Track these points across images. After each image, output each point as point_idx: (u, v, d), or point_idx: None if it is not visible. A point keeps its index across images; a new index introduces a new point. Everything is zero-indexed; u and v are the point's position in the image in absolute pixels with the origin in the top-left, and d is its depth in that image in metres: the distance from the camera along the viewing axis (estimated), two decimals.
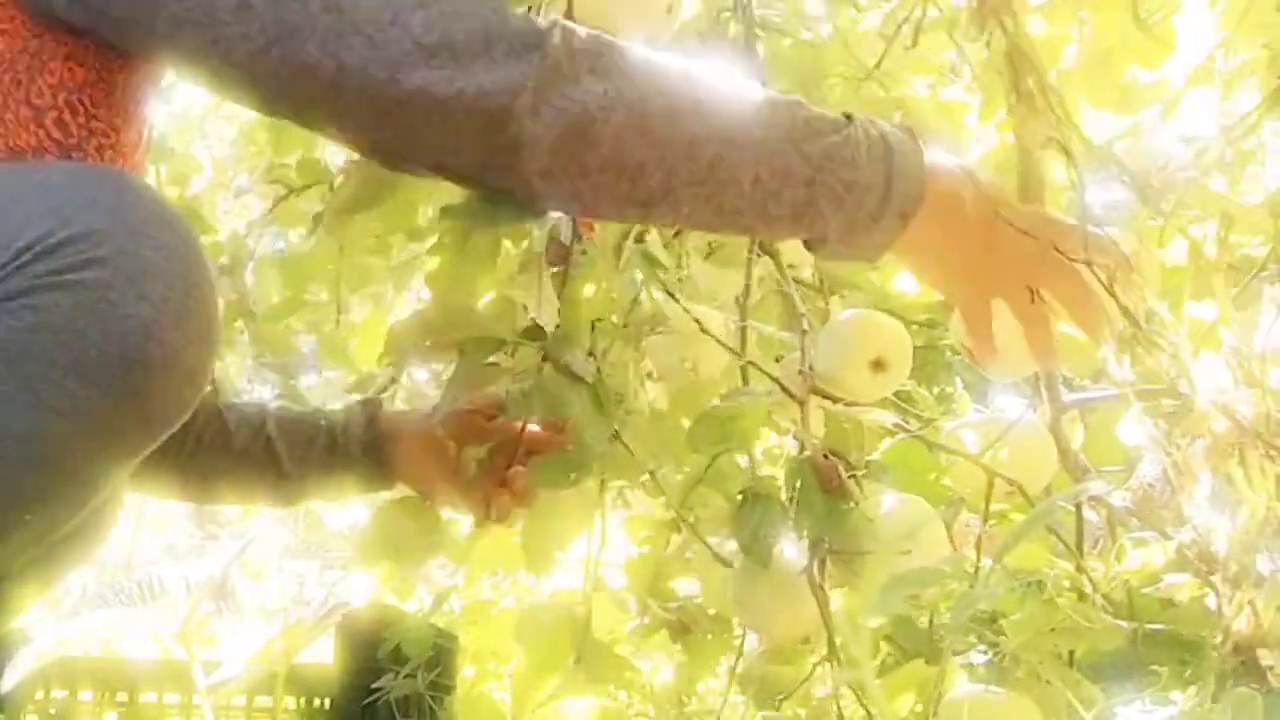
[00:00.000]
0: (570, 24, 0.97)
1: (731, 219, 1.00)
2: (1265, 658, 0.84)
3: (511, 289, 1.23)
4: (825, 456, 1.16)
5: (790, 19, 1.68)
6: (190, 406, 0.89)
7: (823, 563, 1.14)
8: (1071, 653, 1.05)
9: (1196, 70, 1.47)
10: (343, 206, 1.35)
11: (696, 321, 1.32)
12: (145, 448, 0.89)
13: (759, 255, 1.39)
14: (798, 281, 1.44)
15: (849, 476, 1.16)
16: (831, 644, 1.13)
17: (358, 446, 1.35)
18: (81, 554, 1.06)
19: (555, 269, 1.23)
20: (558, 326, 1.20)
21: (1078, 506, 1.18)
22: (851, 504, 1.14)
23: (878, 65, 1.57)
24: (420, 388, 1.94)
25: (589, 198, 0.97)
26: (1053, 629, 0.96)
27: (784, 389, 1.26)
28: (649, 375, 1.44)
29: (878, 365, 1.29)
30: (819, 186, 0.98)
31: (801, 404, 1.22)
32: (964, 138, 1.73)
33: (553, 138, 0.94)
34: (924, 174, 1.02)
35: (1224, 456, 0.86)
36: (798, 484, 1.15)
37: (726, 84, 0.99)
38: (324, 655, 2.39)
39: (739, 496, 1.18)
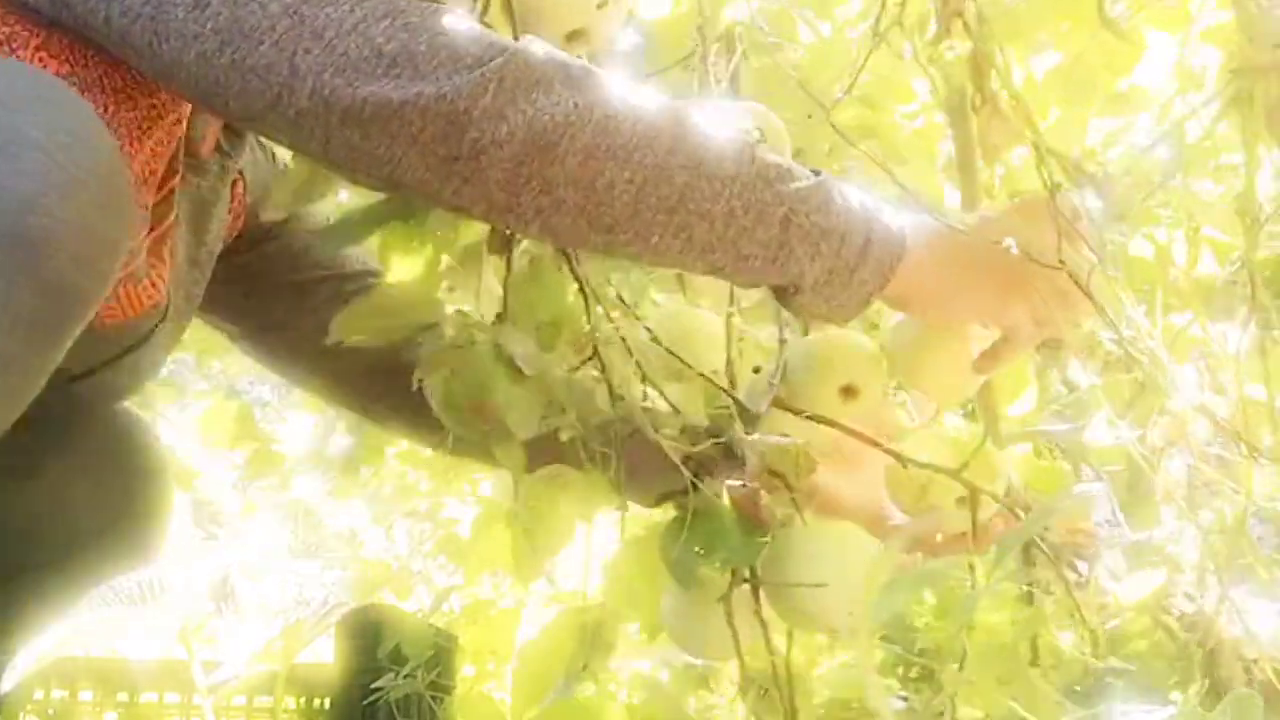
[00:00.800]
0: (544, 43, 0.94)
1: (702, 255, 0.97)
2: (1248, 655, 0.84)
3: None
4: (743, 485, 1.12)
5: (773, 24, 1.67)
6: (106, 277, 0.84)
7: (756, 590, 1.11)
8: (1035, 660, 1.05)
9: (1183, 77, 1.47)
10: (296, 192, 1.33)
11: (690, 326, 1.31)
12: (70, 326, 0.84)
13: None
14: None
15: (791, 497, 1.13)
16: (744, 673, 1.11)
17: None
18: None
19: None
20: (499, 315, 1.19)
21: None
22: (766, 537, 1.10)
23: (854, 81, 1.55)
24: None
25: (552, 217, 0.93)
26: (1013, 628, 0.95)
27: (738, 404, 1.22)
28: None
29: (848, 392, 1.22)
30: (794, 228, 0.96)
31: (754, 421, 1.18)
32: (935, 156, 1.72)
33: (516, 146, 0.89)
34: (903, 231, 1.00)
35: (1203, 459, 0.86)
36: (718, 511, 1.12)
37: (698, 117, 0.96)
38: (324, 655, 2.39)
39: (672, 513, 1.15)
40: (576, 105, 0.91)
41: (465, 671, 2.11)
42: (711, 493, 1.14)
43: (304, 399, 2.43)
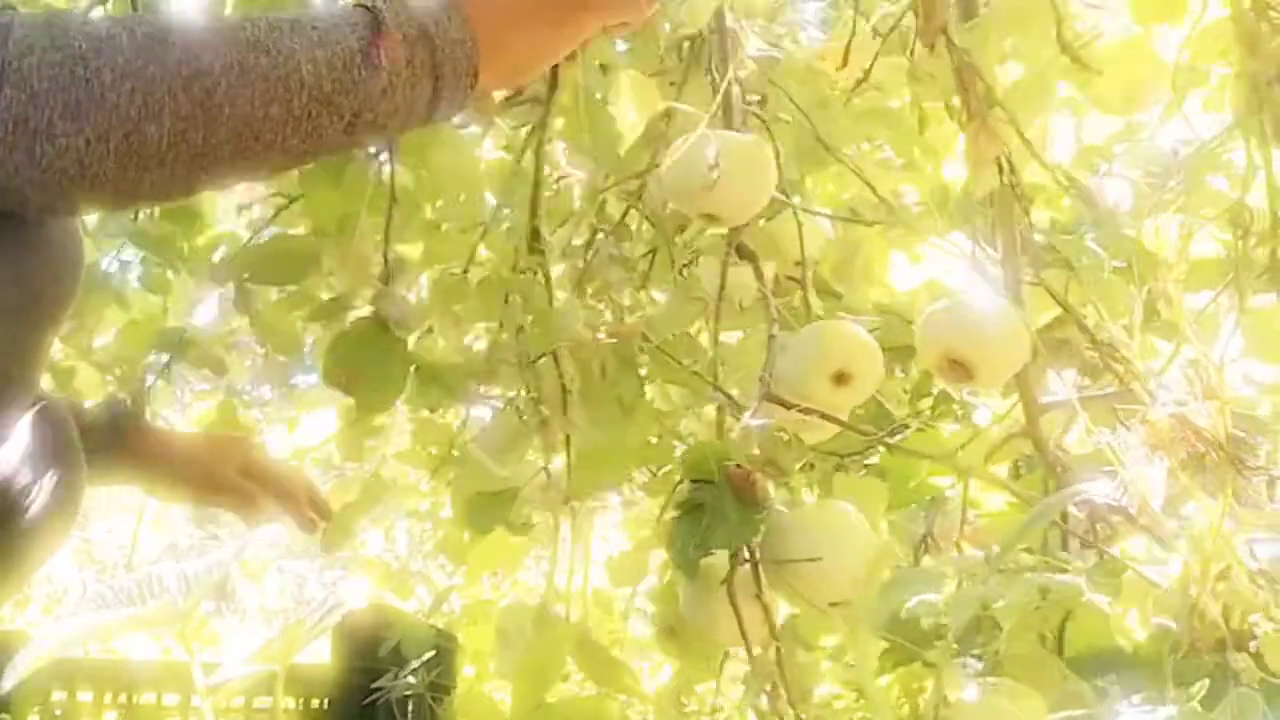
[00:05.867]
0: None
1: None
2: (1236, 660, 0.84)
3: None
4: (738, 466, 1.14)
5: (770, 30, 1.66)
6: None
7: (755, 571, 1.13)
8: (1060, 649, 1.05)
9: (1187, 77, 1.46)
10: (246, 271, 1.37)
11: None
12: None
13: (736, 261, 1.36)
14: (794, 280, 1.43)
15: (780, 484, 1.15)
16: (749, 653, 1.12)
17: (101, 443, 1.36)
18: (48, 546, 1.07)
19: None
20: (386, 280, 1.20)
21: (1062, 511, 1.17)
22: (764, 512, 1.12)
23: (865, 76, 1.54)
24: None
25: (92, 162, 0.87)
26: (1037, 607, 0.95)
27: (729, 399, 1.23)
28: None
29: (840, 378, 1.24)
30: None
31: (744, 414, 1.19)
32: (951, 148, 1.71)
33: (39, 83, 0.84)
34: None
35: (1183, 467, 0.86)
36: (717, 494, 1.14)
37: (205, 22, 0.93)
38: (323, 656, 2.39)
39: (675, 509, 1.17)
40: (82, 47, 0.86)
41: (465, 671, 2.11)
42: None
43: (304, 399, 2.42)
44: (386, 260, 1.23)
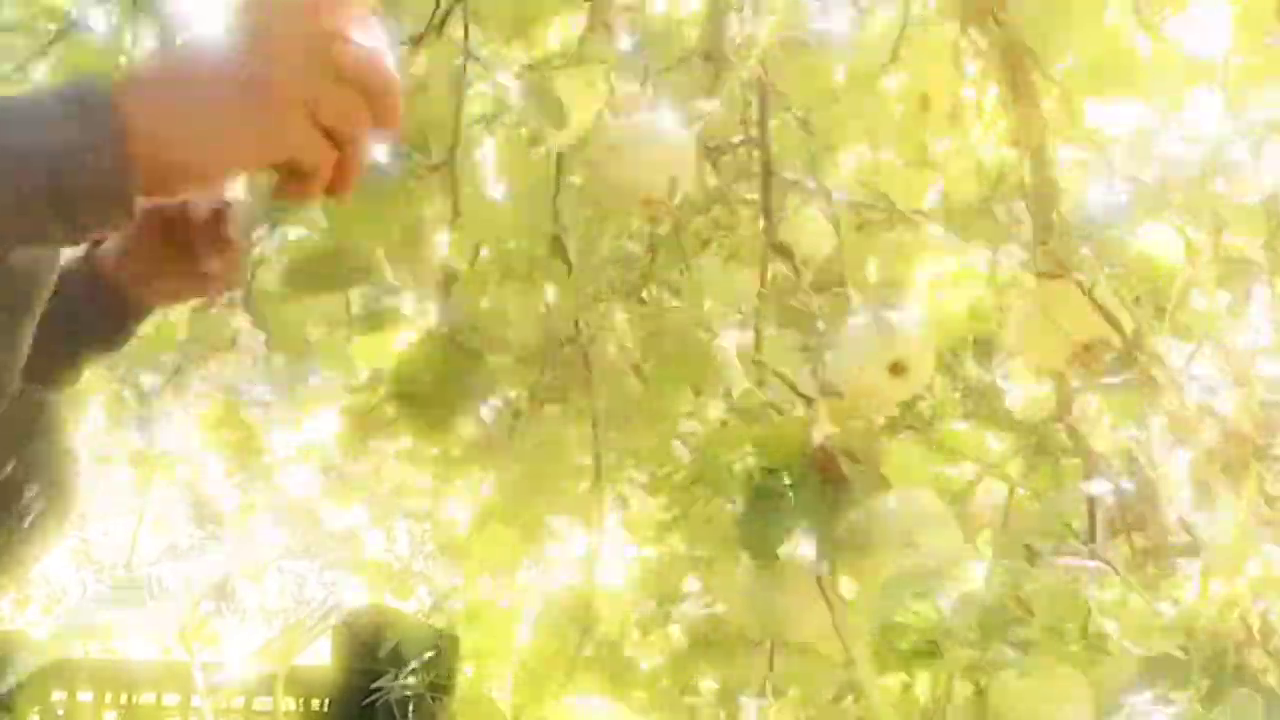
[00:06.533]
0: None
1: None
2: (1258, 660, 0.83)
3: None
4: (820, 449, 1.14)
5: (790, 16, 1.65)
6: None
7: (832, 561, 1.12)
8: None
9: (1200, 68, 1.44)
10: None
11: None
12: None
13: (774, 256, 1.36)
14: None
15: (857, 470, 1.14)
16: (845, 643, 1.11)
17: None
18: (46, 540, 1.07)
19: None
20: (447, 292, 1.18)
21: (1090, 498, 1.17)
22: (851, 496, 1.12)
23: (893, 58, 1.51)
24: None
25: None
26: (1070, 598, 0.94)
27: (793, 389, 1.24)
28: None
29: (897, 369, 1.25)
30: None
31: (811, 403, 1.21)
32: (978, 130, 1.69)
33: None
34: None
35: (1210, 461, 0.86)
36: (802, 481, 1.13)
37: None
38: (323, 656, 2.39)
39: (745, 496, 1.16)
40: None
41: (465, 671, 2.10)
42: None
43: (304, 399, 2.42)
44: (446, 271, 1.21)
